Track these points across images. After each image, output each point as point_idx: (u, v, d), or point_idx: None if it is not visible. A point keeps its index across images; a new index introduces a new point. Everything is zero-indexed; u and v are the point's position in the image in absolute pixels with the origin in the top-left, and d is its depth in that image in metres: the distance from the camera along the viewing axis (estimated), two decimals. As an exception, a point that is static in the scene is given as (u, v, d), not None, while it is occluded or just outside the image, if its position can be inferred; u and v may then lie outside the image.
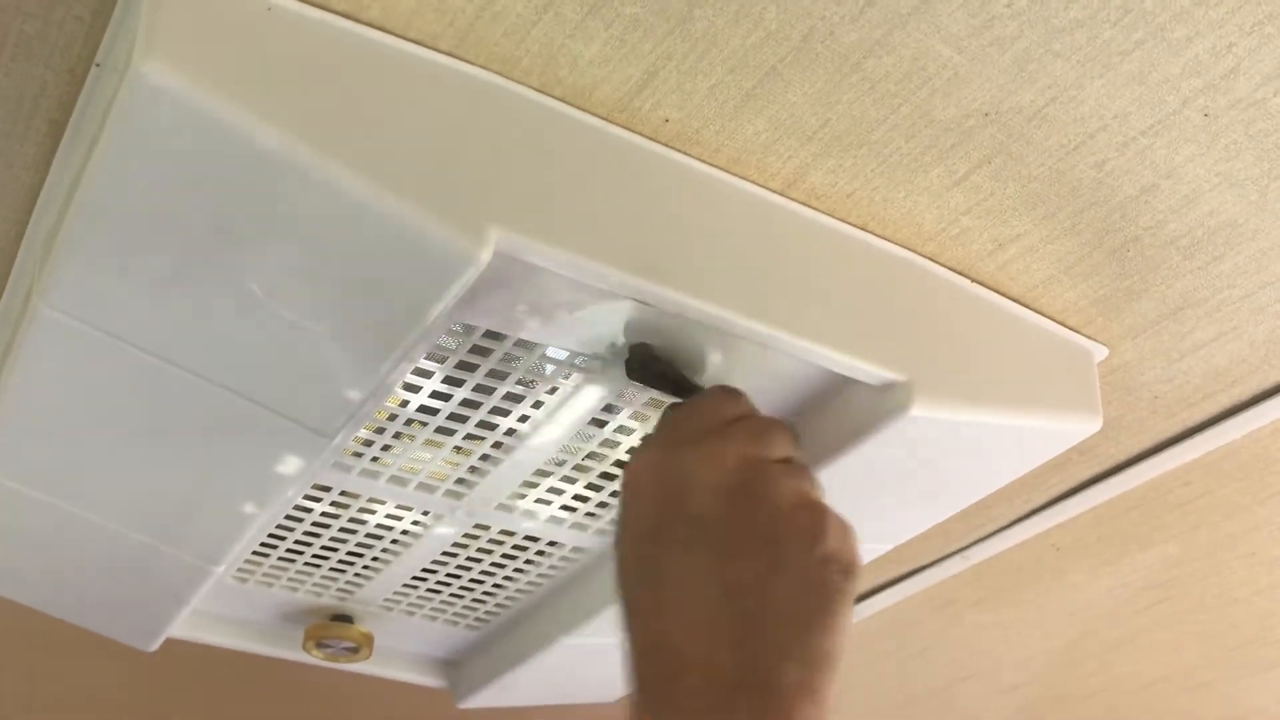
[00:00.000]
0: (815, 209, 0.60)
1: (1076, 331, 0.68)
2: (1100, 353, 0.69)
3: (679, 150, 0.57)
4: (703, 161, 0.58)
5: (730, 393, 0.56)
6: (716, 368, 0.60)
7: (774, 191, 0.59)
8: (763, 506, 0.51)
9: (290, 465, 0.63)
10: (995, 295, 0.65)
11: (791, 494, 0.52)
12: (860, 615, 0.92)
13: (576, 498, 0.72)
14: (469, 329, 0.59)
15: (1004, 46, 0.52)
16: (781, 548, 0.50)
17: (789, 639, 0.48)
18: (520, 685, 0.89)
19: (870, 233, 0.62)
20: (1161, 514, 0.81)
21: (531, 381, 0.63)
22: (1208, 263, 0.62)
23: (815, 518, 0.51)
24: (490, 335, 0.59)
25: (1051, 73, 0.53)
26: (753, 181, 0.59)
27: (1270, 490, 0.78)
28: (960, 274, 0.64)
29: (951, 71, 0.53)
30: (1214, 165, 0.57)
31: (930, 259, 0.63)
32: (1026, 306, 0.66)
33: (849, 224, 0.61)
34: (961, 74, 0.53)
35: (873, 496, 0.68)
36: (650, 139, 0.56)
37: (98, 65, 0.52)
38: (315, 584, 0.82)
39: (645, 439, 0.56)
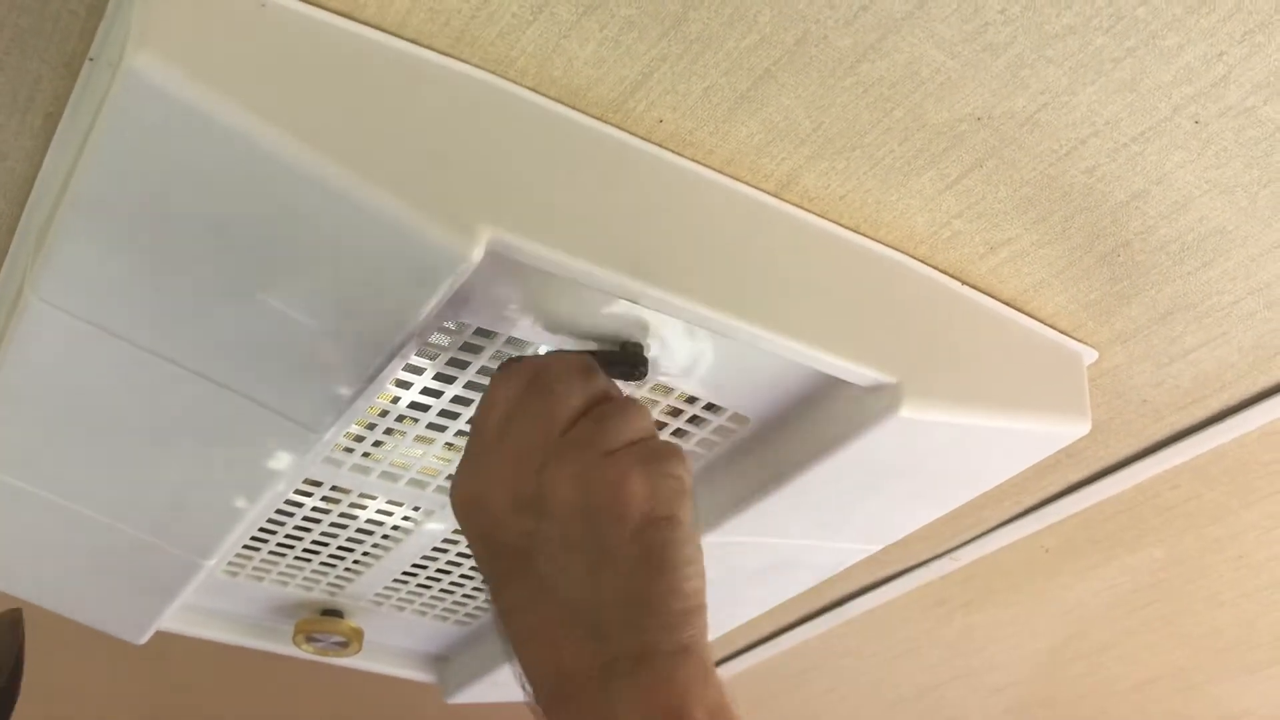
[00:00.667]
0: (808, 211, 0.61)
1: (1066, 335, 0.68)
2: (1090, 356, 0.69)
3: (673, 151, 0.57)
4: (697, 162, 0.58)
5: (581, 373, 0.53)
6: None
7: (767, 193, 0.60)
8: (587, 501, 0.50)
9: (281, 460, 0.63)
10: (986, 298, 0.66)
11: (599, 478, 0.50)
12: (849, 614, 0.93)
13: (567, 495, 0.72)
14: (460, 326, 0.59)
15: (997, 52, 0.52)
16: (598, 536, 0.49)
17: (640, 618, 0.48)
18: (509, 681, 0.89)
19: (863, 235, 0.62)
20: (1150, 517, 0.82)
21: (523, 379, 0.63)
22: (1197, 268, 0.62)
23: (616, 491, 0.49)
24: (481, 333, 0.59)
25: (1044, 79, 0.53)
26: (746, 183, 0.59)
27: (1257, 494, 0.79)
28: (952, 276, 0.64)
29: (944, 76, 0.53)
30: (1204, 172, 0.57)
31: (922, 261, 0.64)
32: (1017, 309, 0.66)
33: (842, 226, 0.62)
34: (954, 79, 0.53)
35: (861, 497, 0.68)
36: (644, 139, 0.57)
37: (91, 60, 0.52)
38: (306, 578, 0.82)
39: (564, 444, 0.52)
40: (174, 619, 0.83)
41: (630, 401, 0.53)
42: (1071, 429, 0.67)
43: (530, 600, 0.50)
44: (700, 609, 0.49)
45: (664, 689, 0.47)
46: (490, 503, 0.52)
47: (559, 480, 0.50)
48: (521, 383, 0.53)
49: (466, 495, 0.53)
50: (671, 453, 0.51)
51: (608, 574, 0.49)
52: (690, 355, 0.60)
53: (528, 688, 0.51)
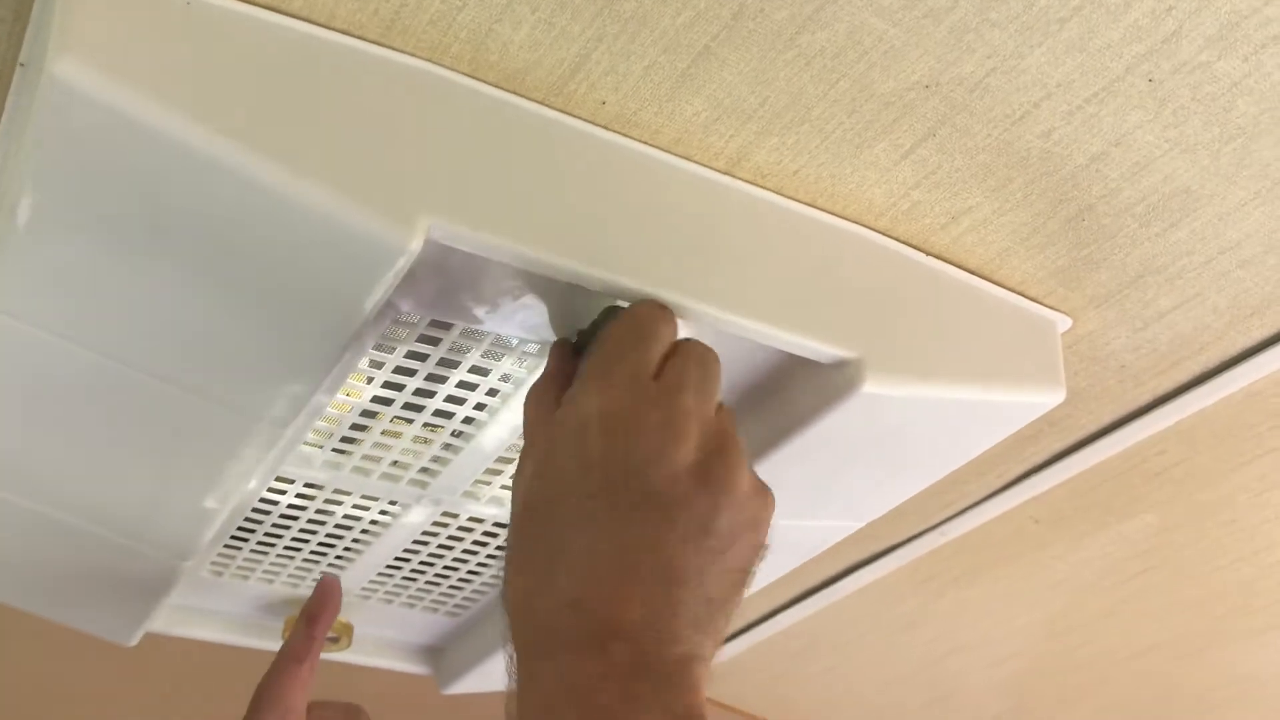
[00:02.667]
0: (762, 187, 0.60)
1: (1037, 302, 0.67)
2: (1063, 323, 0.68)
3: (619, 132, 0.57)
4: (644, 143, 0.57)
5: (661, 309, 0.53)
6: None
7: (719, 171, 0.59)
8: (724, 501, 0.49)
9: (247, 459, 0.63)
10: (951, 268, 0.65)
11: (745, 482, 0.51)
12: (841, 592, 0.92)
13: (541, 483, 0.71)
14: (415, 319, 0.58)
15: (938, 18, 0.51)
16: (732, 538, 0.49)
17: (710, 618, 0.48)
18: (503, 670, 0.89)
19: (820, 209, 0.61)
20: (1138, 484, 0.80)
21: (484, 369, 0.62)
22: (1165, 229, 0.61)
23: (761, 508, 0.51)
24: (437, 324, 0.59)
25: (990, 42, 0.52)
26: (696, 162, 0.58)
27: (1246, 456, 0.78)
28: (915, 248, 0.64)
29: (887, 45, 0.52)
30: (1163, 131, 0.56)
31: (883, 233, 0.63)
32: (984, 278, 0.65)
33: (798, 201, 0.61)
34: (898, 47, 0.52)
35: (833, 475, 0.67)
36: (588, 122, 0.56)
37: (22, 65, 0.52)
38: (291, 575, 0.82)
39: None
40: (163, 620, 0.83)
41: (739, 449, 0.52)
42: (1046, 397, 0.66)
43: (611, 562, 0.49)
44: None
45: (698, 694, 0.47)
46: (643, 430, 0.50)
47: (741, 480, 0.50)
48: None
49: (608, 411, 0.50)
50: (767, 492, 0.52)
51: (716, 574, 0.49)
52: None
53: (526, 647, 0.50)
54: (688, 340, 0.53)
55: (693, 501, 0.49)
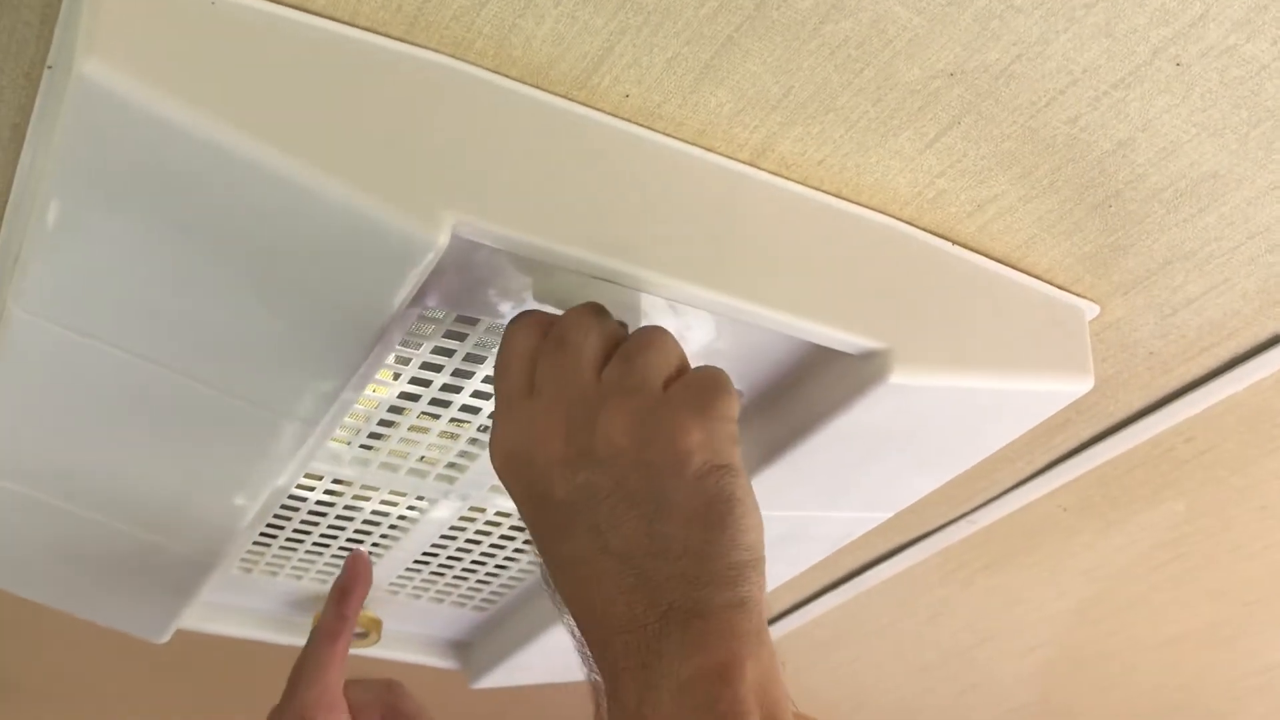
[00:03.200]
0: (786, 178, 0.60)
1: (1064, 290, 0.66)
2: (1091, 310, 0.67)
3: (643, 125, 0.56)
4: (668, 135, 0.57)
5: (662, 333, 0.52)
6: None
7: (743, 162, 0.59)
8: (642, 452, 0.48)
9: (275, 457, 0.63)
10: (978, 257, 0.64)
11: (655, 427, 0.48)
12: (869, 582, 0.92)
13: (568, 477, 0.71)
14: (441, 314, 0.58)
15: (963, 5, 0.50)
16: (656, 487, 0.47)
17: (697, 570, 0.46)
18: (531, 664, 0.89)
19: (845, 199, 0.61)
20: (1167, 471, 0.80)
21: (510, 364, 0.62)
22: (1193, 215, 0.61)
23: (673, 441, 0.48)
24: (463, 320, 0.59)
25: (1015, 29, 0.51)
26: (720, 153, 0.58)
27: (1276, 443, 0.77)
28: (940, 237, 0.63)
29: (912, 33, 0.52)
30: (1191, 115, 0.55)
31: (908, 223, 0.62)
32: (1011, 266, 0.65)
33: (823, 191, 0.60)
34: (922, 35, 0.52)
35: (863, 466, 0.67)
36: (612, 115, 0.56)
37: (50, 67, 0.52)
38: (319, 571, 0.82)
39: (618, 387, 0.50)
40: (193, 616, 0.84)
41: (651, 331, 0.51)
42: (1074, 386, 0.65)
43: (582, 553, 0.48)
44: (758, 562, 0.48)
45: (717, 643, 0.45)
46: (535, 458, 0.50)
47: (612, 431, 0.48)
48: (535, 333, 0.52)
49: (506, 452, 0.51)
50: (721, 389, 0.49)
51: (665, 525, 0.47)
52: (674, 332, 0.59)
53: (580, 639, 0.50)
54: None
55: (634, 468, 0.48)
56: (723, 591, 0.46)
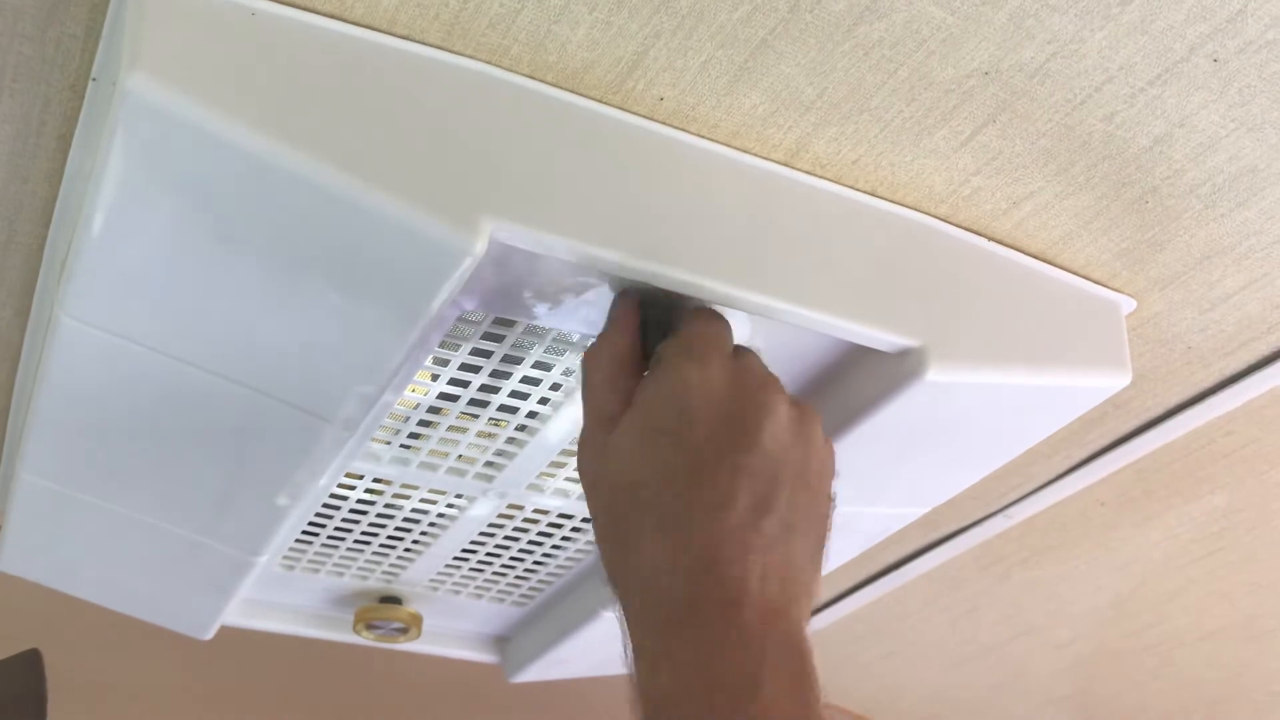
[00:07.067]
0: (822, 177, 0.60)
1: (1102, 285, 0.66)
2: (1128, 305, 0.67)
3: (677, 128, 0.57)
4: (702, 137, 0.57)
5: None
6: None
7: (778, 163, 0.59)
8: (813, 453, 0.53)
9: (317, 458, 0.64)
10: (1014, 253, 0.64)
11: (822, 441, 0.54)
12: (907, 576, 0.92)
13: (605, 475, 0.72)
14: (479, 317, 0.59)
15: (998, 4, 0.50)
16: (817, 490, 0.54)
17: (810, 577, 0.51)
18: (569, 658, 0.90)
19: (880, 198, 0.61)
20: (1206, 465, 0.79)
21: (548, 364, 0.63)
22: (1231, 209, 0.60)
23: (828, 457, 0.55)
24: (501, 322, 0.59)
25: (1050, 27, 0.51)
26: (755, 154, 0.58)
27: (1317, 436, 0.76)
28: (976, 234, 0.63)
29: (946, 33, 0.52)
30: (1228, 111, 0.55)
31: (944, 220, 0.62)
32: (1047, 262, 0.65)
33: (857, 190, 0.61)
34: (956, 34, 0.52)
35: (899, 462, 0.67)
36: (647, 118, 0.56)
37: (95, 80, 0.53)
38: (360, 568, 0.83)
39: (680, 355, 0.53)
40: (236, 613, 0.85)
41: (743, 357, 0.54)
42: (1111, 381, 0.65)
43: (734, 525, 0.51)
44: None
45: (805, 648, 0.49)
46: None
47: (814, 436, 0.54)
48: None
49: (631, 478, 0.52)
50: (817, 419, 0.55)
51: (811, 543, 0.52)
52: (710, 331, 0.60)
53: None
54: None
55: (790, 461, 0.53)
56: (809, 605, 0.51)
